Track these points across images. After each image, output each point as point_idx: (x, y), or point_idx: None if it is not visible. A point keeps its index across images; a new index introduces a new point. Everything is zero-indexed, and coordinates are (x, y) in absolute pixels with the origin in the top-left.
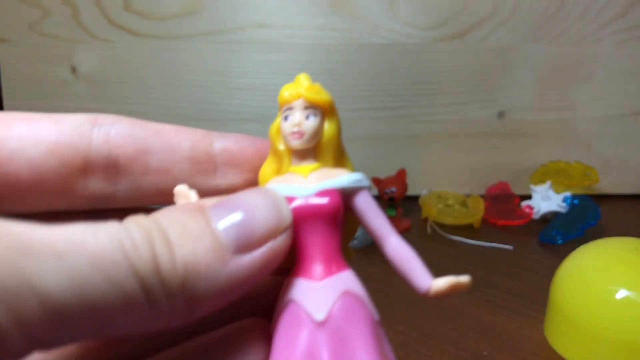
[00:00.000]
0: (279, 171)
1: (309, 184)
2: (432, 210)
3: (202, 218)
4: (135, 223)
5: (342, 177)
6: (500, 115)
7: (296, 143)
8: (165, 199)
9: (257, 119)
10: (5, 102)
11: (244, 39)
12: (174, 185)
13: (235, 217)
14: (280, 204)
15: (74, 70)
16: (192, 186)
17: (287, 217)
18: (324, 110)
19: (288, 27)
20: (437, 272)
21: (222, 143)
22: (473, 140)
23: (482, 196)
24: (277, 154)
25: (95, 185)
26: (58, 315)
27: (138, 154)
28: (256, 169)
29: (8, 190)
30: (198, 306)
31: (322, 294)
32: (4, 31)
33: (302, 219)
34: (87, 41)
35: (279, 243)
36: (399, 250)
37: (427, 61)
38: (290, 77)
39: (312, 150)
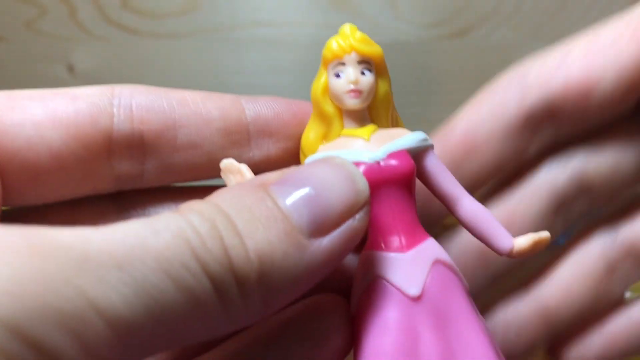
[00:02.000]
0: (326, 136)
1: (374, 148)
2: None
3: (268, 198)
4: (196, 213)
5: (409, 137)
6: None
7: (354, 102)
8: (198, 174)
9: None
10: None
11: (242, 37)
12: (206, 161)
13: (306, 194)
14: (355, 175)
15: (71, 69)
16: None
17: (365, 191)
18: (377, 65)
19: (287, 25)
20: None
21: (254, 109)
22: None
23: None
24: (324, 117)
25: (121, 166)
26: (127, 334)
27: (165, 128)
28: (294, 136)
29: (28, 179)
30: (275, 300)
31: (412, 266)
32: (0, 29)
33: (376, 186)
34: (84, 40)
35: (358, 221)
36: (476, 212)
37: (429, 59)
38: (290, 76)
39: (366, 110)
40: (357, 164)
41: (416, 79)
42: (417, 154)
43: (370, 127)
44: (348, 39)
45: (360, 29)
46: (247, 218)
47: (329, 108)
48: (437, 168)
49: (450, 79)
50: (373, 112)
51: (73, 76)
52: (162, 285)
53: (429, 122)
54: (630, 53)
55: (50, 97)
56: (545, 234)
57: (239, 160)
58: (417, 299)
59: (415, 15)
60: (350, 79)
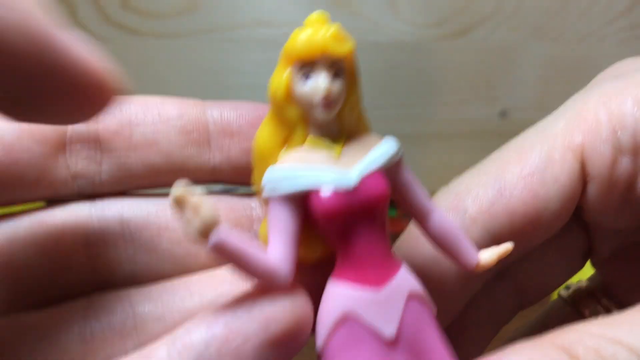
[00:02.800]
0: (286, 141)
1: (344, 167)
2: None
3: None
4: None
5: (382, 151)
6: (503, 114)
7: (326, 114)
8: (157, 177)
9: None
10: None
11: (242, 37)
12: (165, 161)
13: None
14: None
15: None
16: (184, 161)
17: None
18: (347, 64)
19: (287, 25)
20: None
21: (216, 109)
22: (475, 139)
23: None
24: (285, 120)
25: (77, 165)
26: None
27: (120, 126)
28: None
29: None
30: None
31: (387, 304)
32: None
33: (349, 216)
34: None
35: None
36: (444, 227)
37: (428, 59)
38: None
39: (333, 117)
40: (329, 189)
41: (416, 79)
42: (390, 168)
43: (340, 139)
44: (319, 36)
45: (360, 29)
46: None
47: (292, 113)
48: (411, 181)
49: (450, 79)
50: (343, 117)
51: None
52: None
53: (429, 122)
54: (568, 171)
55: None
56: (506, 246)
57: (200, 162)
58: (393, 341)
59: (415, 15)
60: (323, 88)
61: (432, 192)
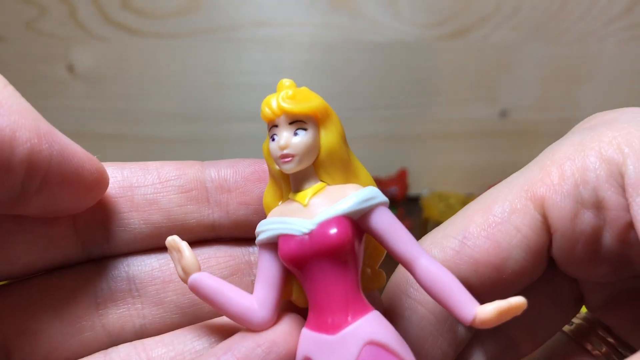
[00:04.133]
0: (281, 197)
1: (310, 215)
2: (433, 210)
3: None
4: None
5: (349, 199)
6: (503, 114)
7: (288, 167)
8: (158, 237)
9: (255, 118)
10: None
11: (242, 37)
12: (165, 219)
13: None
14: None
15: (70, 68)
16: (184, 218)
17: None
18: (316, 120)
19: (287, 25)
20: None
21: (213, 168)
22: (475, 139)
23: None
24: (273, 177)
25: (83, 229)
26: None
27: (122, 190)
28: (253, 191)
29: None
30: None
31: (339, 350)
32: (0, 29)
33: (305, 261)
34: (84, 39)
35: None
36: (434, 274)
37: (429, 59)
38: (290, 76)
39: (311, 169)
40: (289, 236)
41: (416, 79)
42: (364, 215)
43: (311, 189)
44: (277, 99)
45: (360, 29)
46: None
47: (275, 168)
48: (386, 228)
49: (450, 79)
50: (320, 169)
51: (73, 76)
52: None
53: (429, 122)
54: (529, 222)
55: None
56: (516, 300)
57: (199, 217)
58: None
59: (415, 15)
60: (279, 144)
61: (433, 191)
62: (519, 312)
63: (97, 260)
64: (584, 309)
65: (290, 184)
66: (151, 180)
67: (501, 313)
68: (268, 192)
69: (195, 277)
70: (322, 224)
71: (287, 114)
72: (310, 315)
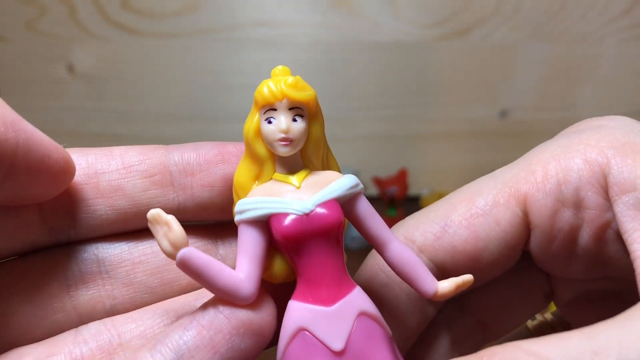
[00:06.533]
0: (259, 177)
1: (304, 197)
2: None
3: None
4: None
5: (338, 184)
6: (503, 114)
7: (285, 150)
8: (126, 221)
9: None
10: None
11: (242, 37)
12: (131, 205)
13: None
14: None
15: (70, 68)
16: (149, 202)
17: None
18: (309, 109)
19: (287, 25)
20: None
21: (177, 151)
22: (475, 139)
23: None
24: (256, 158)
25: (50, 215)
26: None
27: (87, 176)
28: (217, 174)
29: None
30: None
31: (337, 320)
32: (0, 29)
33: (304, 238)
34: (84, 39)
35: None
36: (402, 256)
37: (429, 59)
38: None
39: (298, 154)
40: (286, 215)
41: (416, 79)
42: (348, 200)
43: (302, 173)
44: (279, 84)
45: (360, 29)
46: None
47: (261, 150)
48: (366, 213)
49: (450, 79)
50: (305, 155)
51: (73, 76)
52: None
53: (429, 122)
54: (510, 217)
55: None
56: (467, 277)
57: (164, 201)
58: (340, 353)
59: (415, 15)
60: (281, 128)
61: (433, 191)
62: (467, 286)
63: (66, 245)
64: (552, 307)
65: (276, 166)
66: (115, 166)
67: (457, 286)
68: (242, 172)
69: (185, 252)
70: (319, 206)
71: (289, 99)
72: (302, 289)
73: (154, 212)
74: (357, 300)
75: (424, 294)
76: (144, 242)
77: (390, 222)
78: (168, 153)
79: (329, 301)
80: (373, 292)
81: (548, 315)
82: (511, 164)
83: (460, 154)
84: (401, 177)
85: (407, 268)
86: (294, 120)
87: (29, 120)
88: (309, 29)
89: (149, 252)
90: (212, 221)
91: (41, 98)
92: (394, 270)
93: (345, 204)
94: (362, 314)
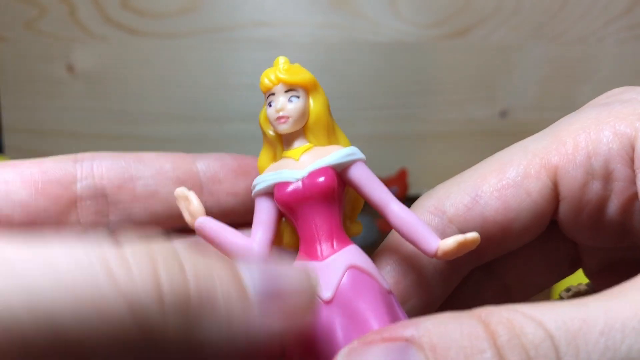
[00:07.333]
0: (274, 158)
1: (301, 167)
2: None
3: (228, 262)
4: (132, 245)
5: (334, 154)
6: (503, 114)
7: (283, 127)
8: (159, 222)
9: (255, 118)
10: (3, 101)
11: (242, 37)
12: (165, 208)
13: (264, 272)
14: (309, 282)
15: (70, 68)
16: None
17: (312, 299)
18: (307, 90)
19: (287, 25)
20: None
21: (204, 161)
22: (475, 139)
23: None
24: (269, 141)
25: (87, 219)
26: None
27: (123, 181)
28: (240, 183)
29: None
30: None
31: (327, 272)
32: (0, 29)
33: (299, 202)
34: (83, 39)
35: (301, 319)
36: (402, 217)
37: (429, 59)
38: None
39: (301, 132)
40: (284, 183)
41: (416, 79)
42: (345, 168)
43: (302, 148)
44: (275, 72)
45: (360, 29)
46: (195, 257)
47: (271, 133)
48: (364, 179)
49: (450, 79)
50: (308, 132)
51: (73, 76)
52: (57, 297)
53: (429, 122)
54: (540, 188)
55: (20, 164)
56: (471, 235)
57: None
58: (330, 301)
59: (415, 15)
60: (277, 108)
61: None
62: (474, 246)
63: None
64: (583, 279)
65: (283, 144)
66: (150, 172)
67: (460, 245)
68: (262, 157)
69: (201, 221)
70: (312, 173)
71: (283, 82)
72: (301, 249)
73: (179, 190)
74: (348, 255)
75: (426, 253)
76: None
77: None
78: (194, 161)
79: (320, 257)
80: (398, 262)
81: (582, 287)
82: (539, 133)
83: (460, 154)
84: (401, 177)
85: (409, 227)
86: (290, 101)
87: (29, 120)
88: (309, 29)
89: None
90: (234, 224)
91: (41, 98)
92: (396, 231)
93: (344, 172)
94: (352, 267)
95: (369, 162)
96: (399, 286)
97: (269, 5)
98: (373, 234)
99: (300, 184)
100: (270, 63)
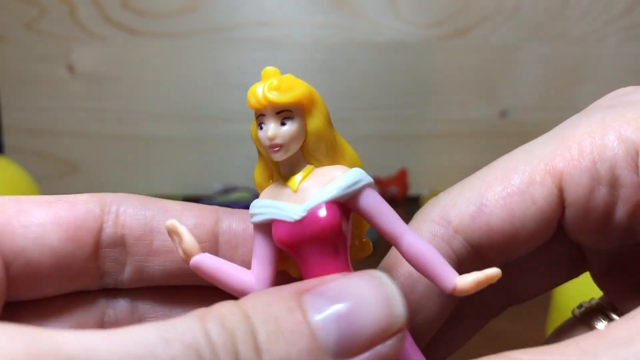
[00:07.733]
0: (271, 176)
1: (300, 200)
2: None
3: (298, 311)
4: (217, 321)
5: (336, 184)
6: (503, 114)
7: (278, 156)
8: (171, 279)
9: None
10: (3, 101)
11: (242, 37)
12: (178, 268)
13: (338, 311)
14: (393, 297)
15: (71, 68)
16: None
17: (401, 316)
18: (301, 108)
19: (287, 25)
20: None
21: (227, 222)
22: (475, 139)
23: None
24: (264, 158)
25: (105, 266)
26: None
27: (144, 233)
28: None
29: (29, 277)
30: None
31: None
32: (0, 30)
33: (298, 245)
34: (84, 39)
35: (389, 348)
36: (418, 250)
37: (429, 60)
38: None
39: (299, 153)
40: (281, 221)
41: (416, 79)
42: (351, 197)
43: (303, 173)
44: (263, 90)
45: (360, 29)
46: (271, 329)
47: (264, 152)
48: (373, 208)
49: (450, 79)
50: (306, 152)
51: (73, 76)
52: None
53: (429, 122)
54: (546, 195)
55: (53, 202)
56: (492, 272)
57: None
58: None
59: (415, 15)
60: (268, 136)
61: (433, 192)
62: (494, 281)
63: (107, 290)
64: (596, 294)
65: (280, 168)
66: None
67: (479, 282)
68: (258, 172)
69: (196, 259)
70: (312, 210)
71: (273, 105)
72: None
73: (169, 224)
74: None
75: (442, 290)
76: (180, 298)
77: None
78: (220, 219)
79: None
80: (404, 277)
81: (594, 302)
82: (543, 137)
83: (460, 154)
84: (401, 177)
85: (423, 262)
86: (283, 124)
87: (29, 120)
88: (310, 29)
89: (181, 312)
90: None
91: (41, 98)
92: (411, 264)
93: (350, 201)
94: None
95: (369, 162)
96: (407, 300)
97: (269, 5)
98: (373, 233)
99: (299, 224)
100: (270, 63)
